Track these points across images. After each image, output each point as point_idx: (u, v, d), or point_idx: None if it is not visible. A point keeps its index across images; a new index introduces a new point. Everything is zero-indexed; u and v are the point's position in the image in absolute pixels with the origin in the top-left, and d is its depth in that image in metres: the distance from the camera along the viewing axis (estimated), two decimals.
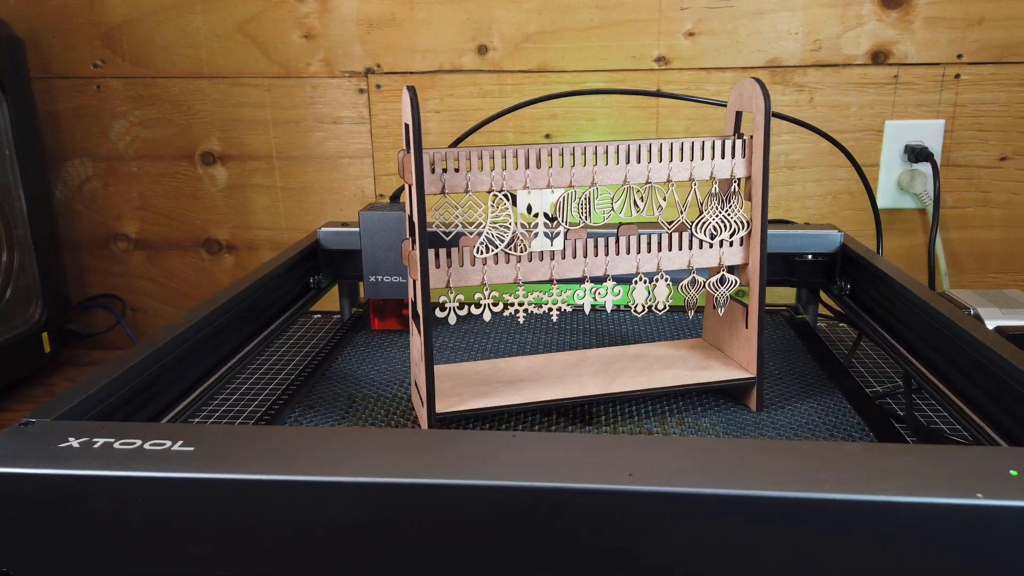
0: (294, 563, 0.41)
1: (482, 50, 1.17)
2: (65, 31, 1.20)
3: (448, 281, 0.61)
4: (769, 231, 0.85)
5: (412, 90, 0.57)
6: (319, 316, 1.00)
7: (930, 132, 1.14)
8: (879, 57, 1.13)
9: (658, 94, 0.99)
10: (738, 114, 0.67)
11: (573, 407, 0.68)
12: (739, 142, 0.64)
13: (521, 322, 0.62)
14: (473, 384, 0.66)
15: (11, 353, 1.11)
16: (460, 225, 0.61)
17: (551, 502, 0.38)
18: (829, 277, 0.89)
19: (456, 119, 1.18)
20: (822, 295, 0.93)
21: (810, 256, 0.88)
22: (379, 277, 0.85)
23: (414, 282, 0.60)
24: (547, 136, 1.19)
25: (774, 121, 1.14)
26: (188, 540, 0.41)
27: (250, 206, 1.26)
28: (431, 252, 0.60)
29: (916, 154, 1.14)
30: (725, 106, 0.92)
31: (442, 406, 0.62)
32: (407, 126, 0.57)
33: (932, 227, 1.12)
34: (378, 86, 1.19)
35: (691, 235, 0.65)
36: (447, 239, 0.62)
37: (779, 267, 0.90)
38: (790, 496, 0.38)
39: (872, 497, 0.37)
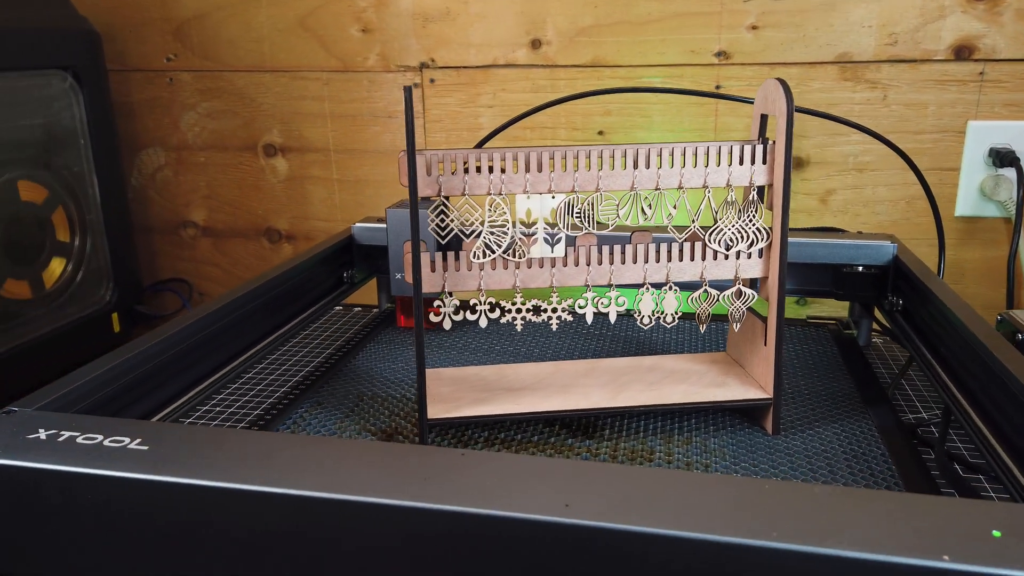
0: (231, 569, 0.41)
1: (536, 44, 1.14)
2: (139, 26, 1.25)
3: (444, 285, 0.60)
4: (815, 240, 0.80)
5: (408, 90, 0.56)
6: (359, 309, 1.01)
7: (1018, 134, 1.05)
8: (963, 52, 1.04)
9: (701, 93, 0.95)
10: (763, 118, 0.63)
11: (577, 419, 0.66)
12: (759, 148, 0.60)
13: (519, 329, 0.61)
14: (474, 390, 0.65)
15: (82, 332, 1.17)
16: (478, 227, 0.60)
17: (479, 530, 0.37)
18: (881, 291, 0.82)
19: (508, 114, 1.17)
20: (877, 311, 0.87)
21: (860, 268, 0.82)
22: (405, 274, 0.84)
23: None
24: (600, 133, 1.16)
25: (838, 113, 1.07)
26: (134, 538, 0.41)
27: (308, 197, 1.28)
28: (426, 256, 0.59)
29: (1001, 158, 1.04)
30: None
31: (435, 411, 0.61)
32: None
33: (1014, 238, 1.03)
34: (432, 80, 1.19)
35: (704, 245, 0.61)
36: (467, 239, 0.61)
37: (826, 278, 0.84)
38: (731, 542, 0.35)
39: (821, 550, 0.34)
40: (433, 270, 0.59)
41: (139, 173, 1.33)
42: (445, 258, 0.59)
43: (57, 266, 1.14)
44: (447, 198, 0.59)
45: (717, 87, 1.11)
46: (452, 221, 0.59)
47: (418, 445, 0.48)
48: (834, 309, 1.11)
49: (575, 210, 0.59)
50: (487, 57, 1.16)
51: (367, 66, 1.20)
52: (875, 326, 0.87)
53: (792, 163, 1.13)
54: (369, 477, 0.40)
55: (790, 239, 0.81)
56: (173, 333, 0.63)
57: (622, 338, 0.83)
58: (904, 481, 0.56)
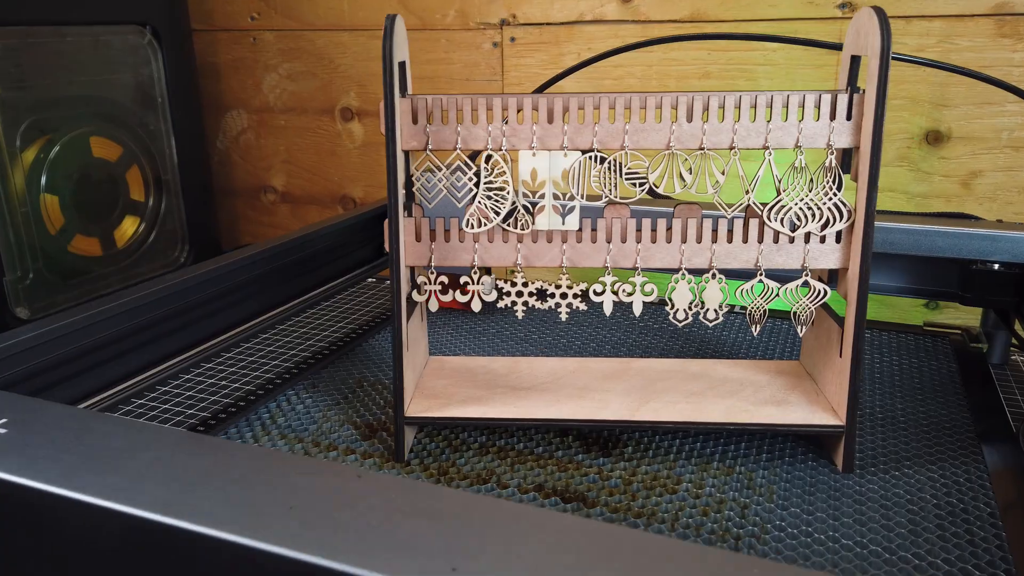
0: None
1: None
2: None
3: (431, 259, 0.49)
4: (937, 227, 0.64)
5: (391, 19, 0.46)
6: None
7: None
8: None
9: (823, 44, 0.79)
10: (854, 61, 0.48)
11: (598, 430, 0.54)
12: (842, 98, 0.46)
13: (520, 317, 0.50)
14: (474, 385, 0.54)
15: None
16: (471, 189, 0.49)
17: None
18: (1022, 296, 0.65)
19: (594, 76, 1.05)
20: (1017, 321, 0.69)
21: (996, 266, 0.65)
22: None
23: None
24: None
25: (992, 87, 0.87)
26: None
27: (383, 165, 1.21)
28: (409, 222, 0.49)
29: None
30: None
31: (417, 407, 0.51)
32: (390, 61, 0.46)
33: None
34: (512, 39, 1.08)
35: (761, 224, 0.48)
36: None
37: (951, 277, 0.67)
38: None
39: None
40: (419, 239, 0.49)
41: (224, 135, 1.31)
42: (433, 225, 0.49)
43: (130, 225, 1.13)
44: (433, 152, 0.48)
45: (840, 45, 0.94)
46: (441, 181, 0.48)
47: (309, 459, 0.38)
48: (961, 316, 0.92)
49: (593, 173, 0.47)
50: (572, 12, 1.04)
51: (446, 24, 1.11)
52: (1013, 340, 0.69)
53: (928, 136, 0.94)
54: (211, 497, 0.31)
55: (902, 224, 0.65)
56: (172, 289, 0.57)
57: (694, 337, 0.70)
58: (1017, 558, 0.41)
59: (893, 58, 0.45)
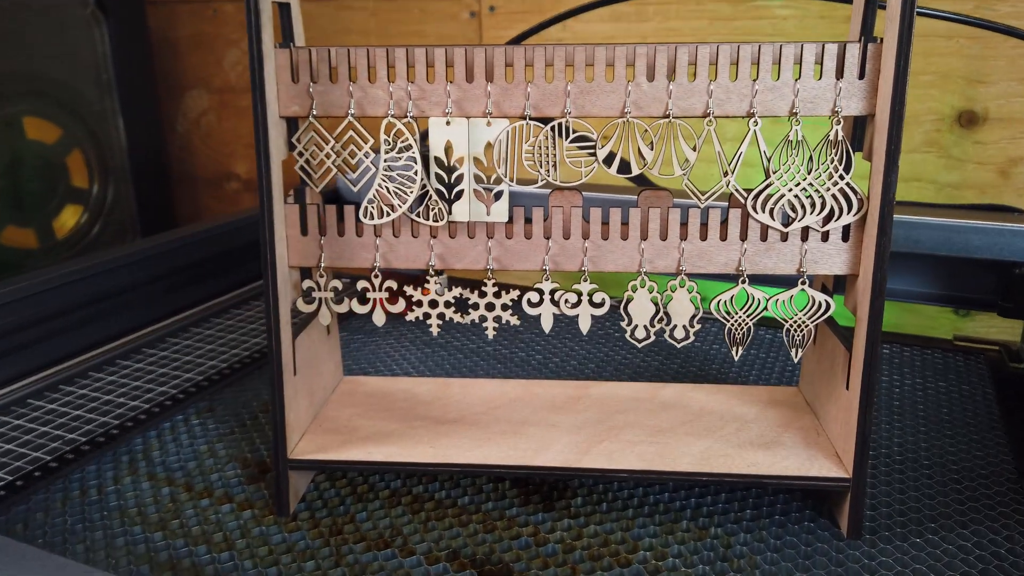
0: None
1: None
2: None
3: (320, 257, 0.39)
4: (971, 222, 0.53)
5: None
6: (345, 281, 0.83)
7: None
8: None
9: None
10: (869, 2, 0.36)
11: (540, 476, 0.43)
12: (852, 49, 0.34)
13: (435, 333, 0.39)
14: (388, 415, 0.44)
15: None
16: (368, 168, 0.39)
17: None
18: None
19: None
20: None
21: None
22: None
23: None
24: None
25: (1018, 48, 0.75)
26: None
27: None
28: (292, 210, 0.38)
29: None
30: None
31: (307, 447, 0.40)
32: None
33: None
34: (492, 8, 0.97)
35: (745, 215, 0.37)
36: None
37: (987, 282, 0.56)
38: None
39: None
40: (305, 232, 0.38)
41: (183, 118, 1.21)
42: (321, 216, 0.38)
43: (71, 215, 1.03)
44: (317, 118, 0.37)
45: None
46: (329, 157, 0.37)
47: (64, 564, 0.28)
48: (997, 325, 0.80)
49: (526, 146, 0.36)
50: None
51: None
52: None
53: (961, 118, 0.81)
54: None
55: (929, 218, 0.54)
56: (25, 291, 0.46)
57: (676, 349, 0.59)
58: None
59: (919, 13, 0.34)
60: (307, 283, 0.39)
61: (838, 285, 0.39)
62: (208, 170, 1.22)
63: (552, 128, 0.36)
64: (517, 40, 0.68)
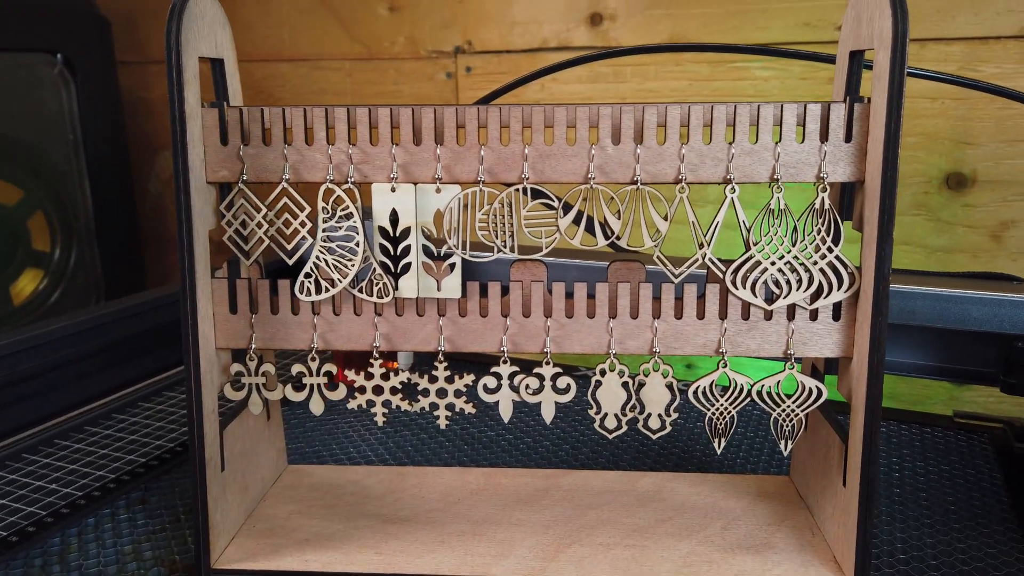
0: None
1: (595, 20, 0.88)
2: (157, 12, 1.11)
3: (251, 338, 0.35)
4: (969, 292, 0.49)
5: (173, 6, 0.32)
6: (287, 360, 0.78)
7: None
8: None
9: (814, 56, 0.65)
10: (855, 58, 0.33)
11: None
12: (838, 109, 0.31)
13: (380, 423, 0.35)
14: (330, 514, 0.39)
15: None
16: (304, 238, 0.35)
17: None
18: None
19: None
20: None
21: None
22: None
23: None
24: None
25: (1005, 109, 0.73)
26: None
27: None
28: (221, 285, 0.34)
29: None
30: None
31: (234, 554, 0.35)
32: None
33: None
34: (468, 69, 0.95)
35: (724, 291, 0.33)
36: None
37: (986, 355, 0.52)
38: None
39: None
40: (234, 310, 0.34)
41: (156, 178, 1.18)
42: (253, 291, 0.34)
43: (30, 280, 0.99)
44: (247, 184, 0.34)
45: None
46: (261, 227, 0.34)
47: None
48: (996, 396, 0.76)
49: (480, 214, 0.33)
50: (535, 38, 0.91)
51: (394, 52, 0.98)
52: None
53: (949, 180, 0.78)
54: None
55: (925, 288, 0.50)
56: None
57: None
58: None
59: (907, 73, 0.31)
60: (236, 367, 0.35)
61: (830, 365, 0.36)
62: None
63: (507, 200, 0.33)
64: (487, 100, 0.65)
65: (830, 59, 0.64)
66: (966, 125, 0.77)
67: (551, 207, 0.32)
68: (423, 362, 0.63)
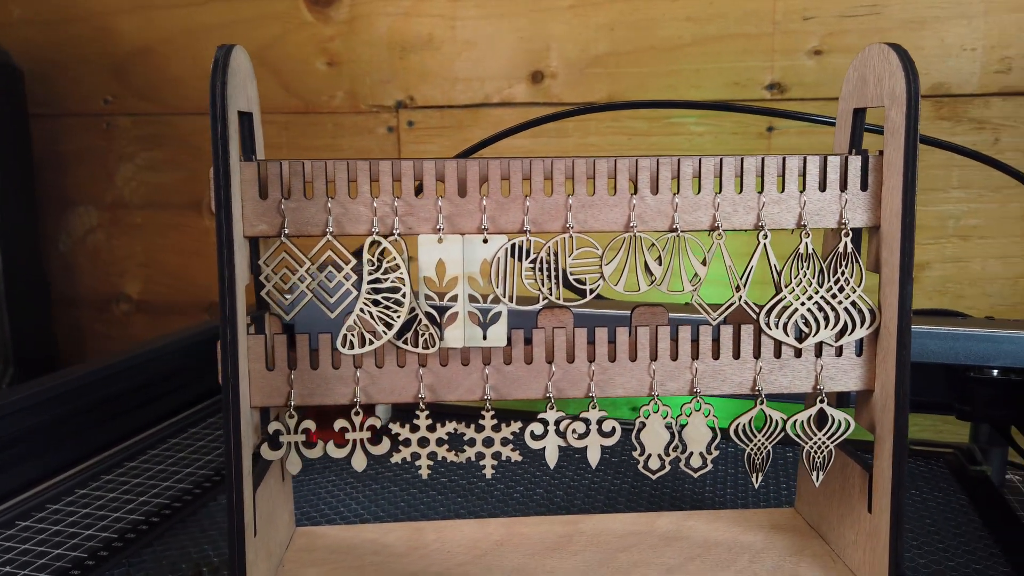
0: None
1: (537, 77, 0.91)
2: (75, 63, 1.06)
3: (290, 395, 0.34)
4: (921, 328, 0.53)
5: (224, 50, 0.32)
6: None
7: None
8: None
9: (754, 110, 0.70)
10: (858, 115, 0.37)
11: None
12: (854, 161, 0.34)
13: (424, 476, 0.34)
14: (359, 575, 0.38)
15: None
16: (348, 291, 0.34)
17: None
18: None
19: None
20: (1015, 433, 0.58)
21: (995, 372, 0.54)
22: None
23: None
24: None
25: (934, 160, 0.80)
26: None
27: None
28: (257, 341, 0.33)
29: None
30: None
31: None
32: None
33: None
34: (410, 123, 0.96)
35: (758, 331, 0.35)
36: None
37: (941, 386, 0.56)
38: None
39: None
40: (271, 366, 0.33)
41: (67, 236, 1.11)
42: (292, 347, 0.33)
43: None
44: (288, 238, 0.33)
45: (769, 129, 0.86)
46: (304, 281, 0.33)
47: None
48: (943, 431, 0.81)
49: (526, 264, 0.33)
50: (477, 94, 0.93)
51: (332, 106, 0.98)
52: (1013, 458, 0.58)
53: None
54: None
55: None
56: None
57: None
58: None
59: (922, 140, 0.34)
60: (274, 425, 0.34)
61: (842, 401, 0.38)
62: (94, 291, 1.12)
63: (554, 248, 0.33)
64: (466, 154, 0.66)
65: (760, 111, 0.69)
66: None
67: (596, 255, 0.33)
68: (401, 414, 0.62)
